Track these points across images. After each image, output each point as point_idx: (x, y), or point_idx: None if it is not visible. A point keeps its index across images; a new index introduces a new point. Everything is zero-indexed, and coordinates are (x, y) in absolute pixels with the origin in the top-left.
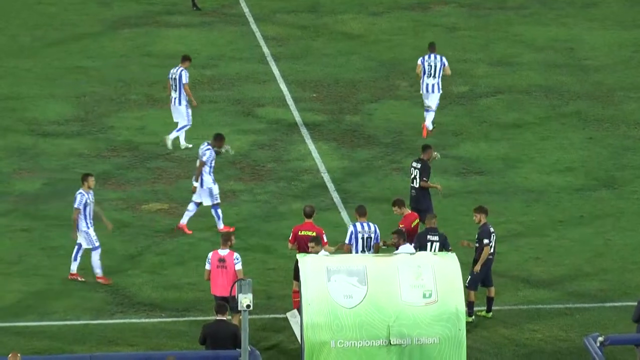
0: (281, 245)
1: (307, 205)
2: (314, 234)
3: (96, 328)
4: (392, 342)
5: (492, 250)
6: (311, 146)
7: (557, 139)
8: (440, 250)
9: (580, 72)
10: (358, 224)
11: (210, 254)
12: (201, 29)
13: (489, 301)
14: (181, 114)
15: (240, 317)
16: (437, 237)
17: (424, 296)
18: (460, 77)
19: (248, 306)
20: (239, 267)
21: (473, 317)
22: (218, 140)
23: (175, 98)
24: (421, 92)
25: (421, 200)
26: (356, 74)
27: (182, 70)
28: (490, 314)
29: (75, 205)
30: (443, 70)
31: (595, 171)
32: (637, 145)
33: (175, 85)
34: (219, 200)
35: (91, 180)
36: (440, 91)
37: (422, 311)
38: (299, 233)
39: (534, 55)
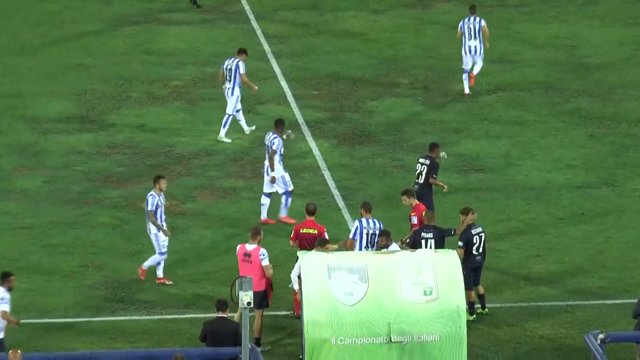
0: (282, 242)
1: (310, 202)
2: (315, 231)
3: (97, 325)
4: (392, 340)
5: (479, 251)
6: (312, 144)
7: (558, 136)
8: (437, 245)
9: (581, 70)
10: (364, 220)
11: (237, 247)
12: (202, 26)
13: (481, 298)
14: (230, 103)
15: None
16: (432, 234)
17: (425, 293)
18: (461, 75)
19: (249, 303)
20: (265, 262)
21: (474, 315)
22: (278, 127)
23: (229, 88)
24: (463, 53)
25: (424, 197)
26: (357, 71)
27: (238, 61)
28: (486, 310)
29: (149, 208)
30: (482, 31)
31: (596, 169)
32: (637, 143)
33: (230, 76)
34: (291, 188)
35: (163, 183)
36: (483, 49)
37: (422, 308)
38: (301, 231)
39: (534, 53)
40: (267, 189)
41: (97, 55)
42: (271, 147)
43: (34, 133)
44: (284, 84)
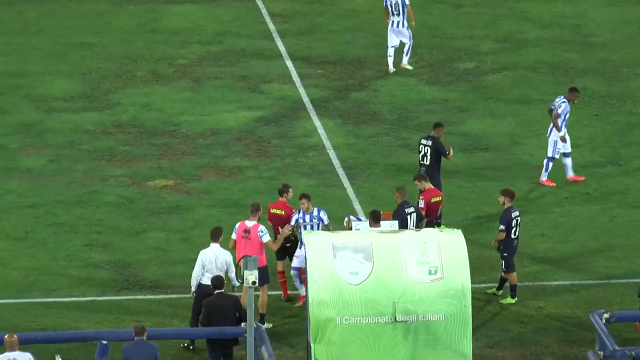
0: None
1: (281, 183)
2: (283, 212)
3: (102, 304)
4: (397, 319)
5: (516, 235)
6: (317, 122)
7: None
8: (417, 219)
9: (586, 49)
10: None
11: (237, 224)
12: (207, 5)
13: (503, 281)
14: (405, 35)
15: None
16: (412, 207)
17: (430, 273)
18: (466, 54)
19: (254, 282)
20: (266, 239)
21: (516, 298)
22: (573, 94)
23: (398, 22)
24: None
25: (431, 178)
26: (362, 50)
27: None
28: (501, 291)
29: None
30: None
31: (601, 148)
32: None
33: (398, 10)
34: (556, 156)
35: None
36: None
37: (427, 288)
38: (270, 210)
39: (539, 32)
40: (563, 149)
41: (102, 34)
42: (557, 109)
43: (39, 112)
44: (289, 63)
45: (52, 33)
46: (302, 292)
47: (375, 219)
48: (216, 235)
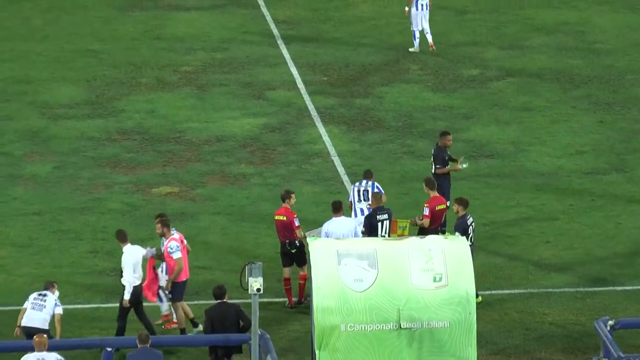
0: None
1: (284, 189)
2: (284, 218)
3: (106, 311)
4: (402, 326)
5: (472, 242)
6: (321, 129)
7: (568, 122)
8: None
9: (590, 56)
10: None
11: (177, 245)
12: (212, 12)
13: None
14: (427, 17)
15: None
16: (386, 214)
17: (434, 280)
18: (471, 61)
19: (258, 290)
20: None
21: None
22: None
23: (423, 4)
24: None
25: (439, 186)
26: (367, 57)
27: None
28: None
29: None
30: None
31: (606, 155)
32: None
33: None
34: None
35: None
36: None
37: (432, 295)
38: (275, 217)
39: (544, 39)
40: None
41: (107, 41)
42: None
43: (44, 119)
44: (293, 69)
45: (57, 40)
46: (163, 309)
47: (335, 209)
48: (125, 236)
